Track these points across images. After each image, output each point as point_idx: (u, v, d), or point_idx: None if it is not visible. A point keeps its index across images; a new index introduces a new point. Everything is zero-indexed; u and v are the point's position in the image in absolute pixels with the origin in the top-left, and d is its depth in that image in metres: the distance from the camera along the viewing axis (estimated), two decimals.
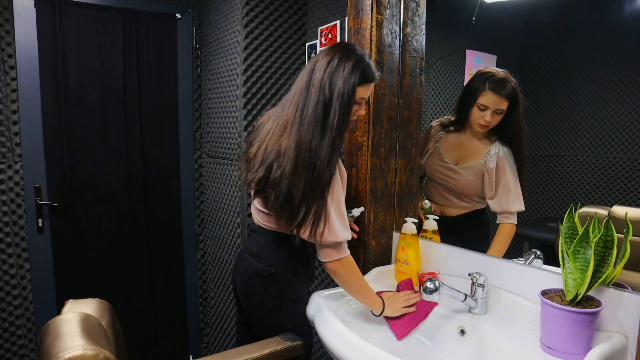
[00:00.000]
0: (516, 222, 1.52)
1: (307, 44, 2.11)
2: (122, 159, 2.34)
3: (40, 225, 2.17)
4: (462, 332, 1.26)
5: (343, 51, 1.23)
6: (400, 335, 1.31)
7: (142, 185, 2.39)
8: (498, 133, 1.54)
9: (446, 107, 1.82)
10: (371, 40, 1.50)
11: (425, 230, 1.57)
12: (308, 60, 2.10)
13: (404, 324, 1.32)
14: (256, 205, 1.37)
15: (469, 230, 1.66)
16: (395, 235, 1.62)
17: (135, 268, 2.44)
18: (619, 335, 1.04)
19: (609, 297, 1.08)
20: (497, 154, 1.53)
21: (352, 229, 1.52)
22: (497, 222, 1.55)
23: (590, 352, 0.98)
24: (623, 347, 1.02)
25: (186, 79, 2.45)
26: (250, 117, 2.09)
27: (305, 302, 1.37)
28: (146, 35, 2.32)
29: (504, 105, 1.48)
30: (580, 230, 1.06)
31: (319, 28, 1.98)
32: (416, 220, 1.53)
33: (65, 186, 2.21)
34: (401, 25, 1.56)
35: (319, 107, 1.18)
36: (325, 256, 1.25)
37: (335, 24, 1.88)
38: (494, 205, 1.55)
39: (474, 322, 1.26)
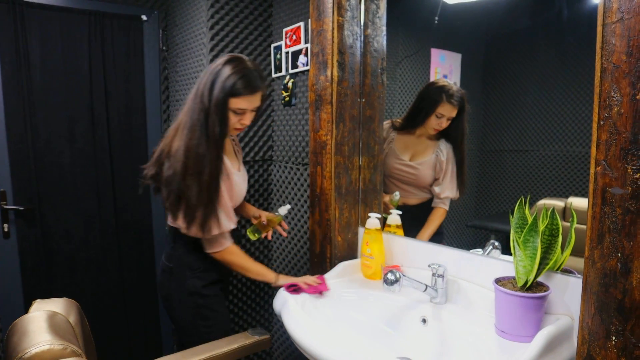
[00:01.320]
0: (447, 208, 1.74)
1: (272, 45, 2.13)
2: (89, 162, 2.32)
3: (5, 230, 2.14)
4: (424, 320, 1.31)
5: (227, 61, 1.33)
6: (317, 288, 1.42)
7: (111, 187, 2.38)
8: (443, 134, 1.75)
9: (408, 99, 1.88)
10: (333, 42, 1.54)
11: (389, 225, 1.61)
12: (274, 61, 2.13)
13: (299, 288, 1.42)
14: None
15: (420, 214, 1.80)
16: (361, 231, 1.66)
17: (106, 270, 2.42)
18: (565, 317, 1.11)
19: (556, 282, 1.14)
20: (446, 148, 1.74)
21: (282, 227, 1.70)
22: (432, 205, 1.76)
23: (539, 333, 1.03)
24: (569, 327, 1.08)
25: (153, 81, 2.45)
26: None
27: (204, 295, 1.46)
28: (112, 38, 2.31)
29: (455, 113, 1.68)
30: (530, 221, 1.12)
31: (284, 29, 2.01)
32: (379, 216, 1.57)
33: (31, 190, 2.19)
34: (362, 27, 1.60)
35: (202, 114, 1.29)
36: (212, 247, 1.42)
37: (299, 26, 1.92)
38: (436, 189, 1.75)
39: (435, 311, 1.30)
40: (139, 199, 2.48)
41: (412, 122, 1.79)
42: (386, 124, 1.83)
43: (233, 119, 1.34)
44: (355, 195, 1.66)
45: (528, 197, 1.17)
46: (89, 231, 2.36)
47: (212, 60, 2.04)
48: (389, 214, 1.66)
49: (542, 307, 1.10)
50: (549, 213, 1.11)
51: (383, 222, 1.65)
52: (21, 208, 2.16)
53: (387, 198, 1.80)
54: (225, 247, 1.43)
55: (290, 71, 2.01)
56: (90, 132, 2.30)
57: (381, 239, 1.55)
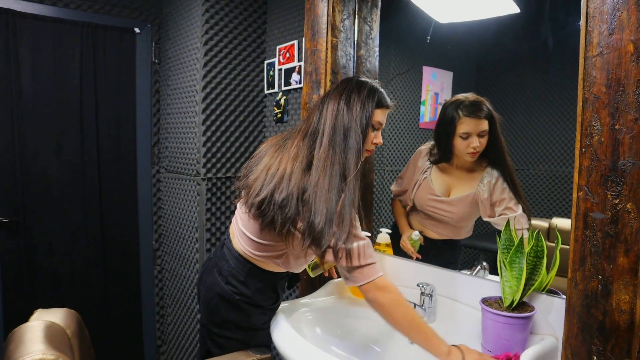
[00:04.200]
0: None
1: (265, 62, 2.17)
2: (77, 174, 2.32)
3: None
4: None
5: (353, 84, 1.23)
6: None
7: (98, 200, 2.38)
8: (487, 157, 1.51)
9: (404, 121, 1.88)
10: (326, 62, 1.59)
11: (379, 244, 1.63)
12: (267, 77, 2.17)
13: None
14: (245, 231, 1.32)
15: (445, 252, 1.68)
16: None
17: (90, 285, 2.41)
18: (550, 337, 1.14)
19: (542, 303, 1.18)
20: (489, 182, 1.50)
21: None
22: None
23: (524, 352, 1.06)
24: (554, 347, 1.12)
25: (144, 93, 2.47)
26: (209, 133, 2.13)
27: (263, 329, 1.37)
28: (104, 50, 2.34)
29: (485, 126, 1.46)
30: (516, 242, 1.17)
31: (278, 47, 2.06)
32: (369, 234, 1.57)
33: (17, 202, 2.18)
34: (355, 48, 1.66)
35: (337, 131, 1.17)
36: (359, 279, 1.15)
37: (293, 44, 1.97)
38: (495, 224, 1.50)
39: None
40: (126, 212, 2.49)
41: (443, 153, 1.59)
42: (424, 149, 1.68)
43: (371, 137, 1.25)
44: None
45: (515, 218, 1.21)
46: (74, 244, 2.35)
47: (205, 76, 2.08)
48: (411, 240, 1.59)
49: (527, 327, 1.13)
50: (534, 235, 1.14)
51: (372, 240, 1.67)
52: (5, 219, 2.16)
53: (405, 236, 1.68)
54: (379, 276, 1.16)
55: (283, 88, 2.04)
56: (78, 144, 2.31)
57: None
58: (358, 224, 1.18)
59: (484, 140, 1.47)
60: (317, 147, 1.17)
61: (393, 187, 1.80)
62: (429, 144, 1.66)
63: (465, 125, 1.47)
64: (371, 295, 1.15)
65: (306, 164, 1.16)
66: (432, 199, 1.63)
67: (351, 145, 1.15)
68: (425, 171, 1.65)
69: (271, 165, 1.21)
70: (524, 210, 1.42)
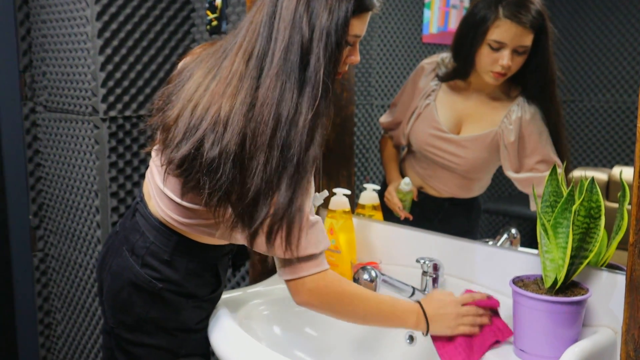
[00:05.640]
0: None
1: None
2: None
3: None
4: (411, 338, 1.34)
5: None
6: None
7: None
8: (521, 84, 1.53)
9: (399, 34, 1.86)
10: None
11: (363, 205, 1.64)
12: None
13: (458, 351, 1.24)
14: (165, 190, 1.31)
15: (455, 217, 1.72)
16: (322, 214, 1.66)
17: None
18: (606, 330, 1.15)
19: (599, 282, 1.18)
20: (520, 119, 1.51)
21: None
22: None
23: (567, 350, 1.06)
24: (611, 343, 1.12)
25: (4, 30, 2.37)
26: (109, 51, 2.07)
27: (197, 331, 1.38)
28: None
29: (527, 39, 1.46)
30: (565, 196, 1.13)
31: None
32: (348, 192, 1.58)
33: None
34: None
35: (293, 52, 1.14)
36: (296, 272, 1.20)
37: None
38: (519, 182, 1.55)
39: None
40: None
41: (459, 66, 1.60)
42: (428, 64, 1.70)
43: (345, 55, 1.24)
44: None
45: (565, 164, 1.18)
46: None
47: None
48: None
49: (578, 317, 1.12)
50: (587, 185, 1.12)
51: (353, 200, 1.68)
52: None
53: (392, 186, 1.72)
54: (325, 269, 1.22)
55: None
56: None
57: (351, 226, 1.56)
58: (313, 189, 1.21)
59: (520, 60, 1.47)
60: (264, 77, 1.15)
61: (382, 118, 1.84)
62: (437, 56, 1.67)
63: (501, 30, 1.45)
64: (304, 298, 1.21)
65: (251, 102, 1.14)
66: (434, 136, 1.64)
67: (311, 76, 1.14)
68: (429, 95, 1.66)
69: (200, 99, 1.18)
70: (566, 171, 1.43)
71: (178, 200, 1.26)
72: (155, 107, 1.28)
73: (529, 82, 1.50)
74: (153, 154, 1.36)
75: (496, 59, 1.47)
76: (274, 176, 1.11)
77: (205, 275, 1.36)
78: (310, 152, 1.13)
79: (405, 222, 1.63)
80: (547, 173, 1.20)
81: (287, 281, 1.21)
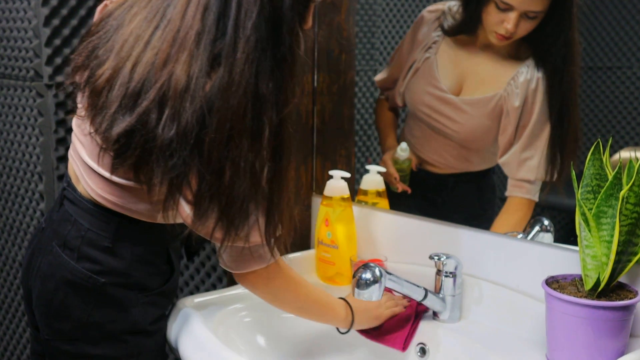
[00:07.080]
0: (535, 198, 1.57)
1: None
2: None
3: None
4: (423, 351, 1.34)
5: None
6: (400, 342, 1.39)
7: None
8: (534, 46, 1.56)
9: None
10: None
11: (365, 191, 1.64)
12: None
13: (392, 329, 1.41)
14: (93, 166, 1.30)
15: (464, 198, 1.75)
16: (316, 201, 1.67)
17: None
18: None
19: None
20: (528, 81, 1.55)
21: None
22: (506, 194, 1.61)
23: None
24: None
25: None
26: (54, 1, 2.04)
27: (150, 334, 1.38)
28: None
29: (539, 4, 1.50)
30: (610, 179, 1.12)
31: None
32: (348, 175, 1.58)
33: None
34: None
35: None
36: (245, 264, 1.25)
37: None
38: (505, 164, 1.61)
39: (440, 334, 1.34)
40: None
41: (465, 18, 1.65)
42: (431, 13, 1.74)
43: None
44: (306, 140, 1.66)
45: (610, 141, 1.17)
46: None
47: None
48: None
49: (624, 325, 1.12)
50: (637, 167, 1.11)
51: (353, 185, 1.67)
52: None
53: (388, 155, 1.75)
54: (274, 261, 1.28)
55: None
56: None
57: (351, 216, 1.57)
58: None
59: (530, 26, 1.51)
60: (228, 40, 1.10)
61: (378, 76, 1.89)
62: (443, 4, 1.71)
63: None
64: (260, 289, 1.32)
65: (211, 70, 1.10)
66: (432, 95, 1.68)
67: (285, 40, 1.12)
68: (429, 48, 1.70)
69: (139, 56, 1.13)
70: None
71: (109, 176, 1.25)
72: (74, 65, 1.25)
73: (543, 45, 1.55)
74: (74, 124, 1.33)
75: (501, 20, 1.51)
76: (242, 160, 1.11)
77: (155, 261, 1.35)
78: (284, 134, 1.15)
79: (414, 210, 1.61)
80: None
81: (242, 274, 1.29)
